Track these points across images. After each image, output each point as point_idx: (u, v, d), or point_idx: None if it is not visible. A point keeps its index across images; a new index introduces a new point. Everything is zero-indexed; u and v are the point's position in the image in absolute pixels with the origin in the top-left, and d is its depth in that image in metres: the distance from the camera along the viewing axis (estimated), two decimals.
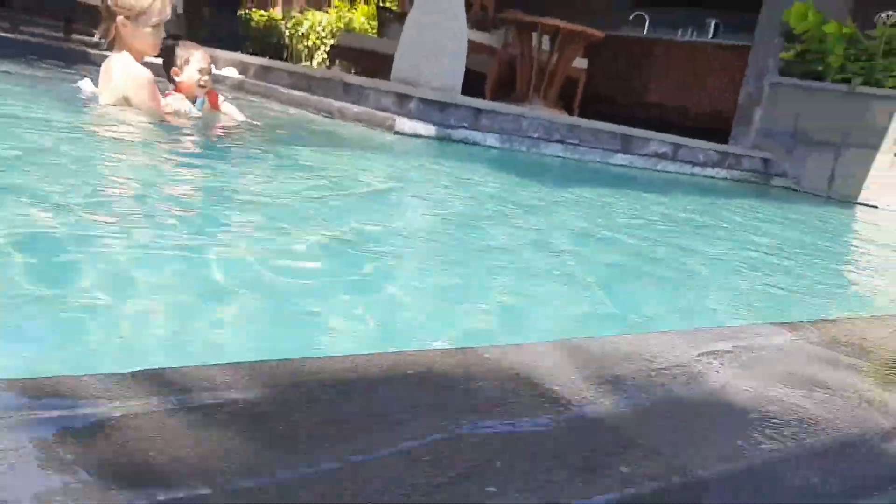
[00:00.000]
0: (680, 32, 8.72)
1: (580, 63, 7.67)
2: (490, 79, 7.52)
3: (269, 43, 13.55)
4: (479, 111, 5.30)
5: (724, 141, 7.64)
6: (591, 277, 1.95)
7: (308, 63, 13.09)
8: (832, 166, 7.05)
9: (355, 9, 13.08)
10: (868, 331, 1.59)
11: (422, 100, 5.00)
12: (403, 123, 4.52)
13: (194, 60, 3.37)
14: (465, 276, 1.74)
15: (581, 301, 1.72)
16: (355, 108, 4.86)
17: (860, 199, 6.82)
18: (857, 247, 4.63)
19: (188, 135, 3.14)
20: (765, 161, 7.45)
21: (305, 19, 13.22)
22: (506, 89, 7.54)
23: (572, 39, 6.98)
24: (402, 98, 5.07)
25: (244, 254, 1.58)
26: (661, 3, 9.75)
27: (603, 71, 8.41)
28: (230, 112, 3.66)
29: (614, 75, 8.71)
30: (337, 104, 4.98)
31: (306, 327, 1.28)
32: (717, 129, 7.81)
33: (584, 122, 6.02)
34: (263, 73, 6.36)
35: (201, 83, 3.42)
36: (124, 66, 3.11)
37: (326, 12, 13.48)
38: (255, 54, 12.52)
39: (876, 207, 6.68)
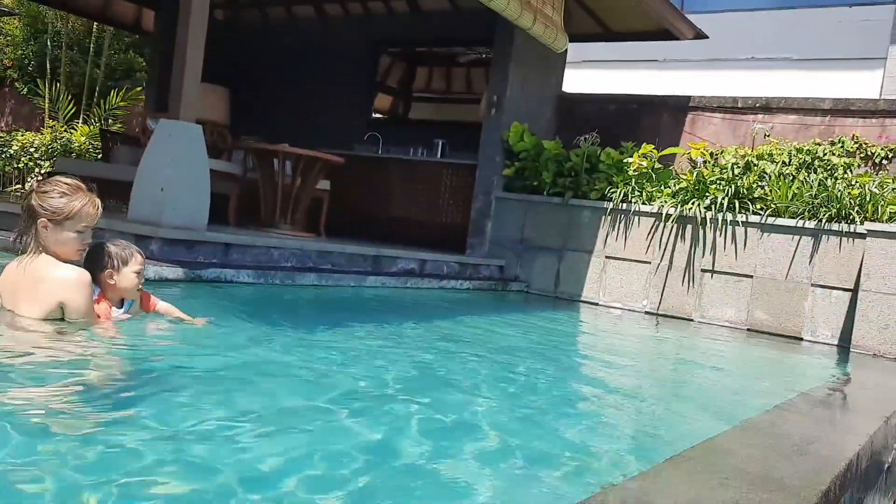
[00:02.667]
0: (411, 151, 9.31)
1: (323, 185, 7.83)
2: (233, 205, 7.38)
3: None
4: (228, 246, 5.16)
5: (464, 251, 8.20)
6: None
7: (20, 187, 11.87)
8: (556, 269, 7.85)
9: (74, 128, 12.22)
10: None
11: (165, 240, 4.76)
12: (147, 269, 4.23)
13: (133, 262, 2.86)
14: None
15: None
16: None
17: (583, 298, 7.64)
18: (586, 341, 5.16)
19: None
20: (500, 268, 8.10)
21: (15, 140, 12.07)
22: (249, 214, 7.44)
23: (313, 165, 7.13)
24: (143, 239, 4.76)
25: None
26: (391, 124, 10.41)
27: (346, 190, 8.66)
28: (171, 312, 3.10)
29: (357, 194, 9.02)
30: None
31: None
32: (456, 240, 8.36)
33: (335, 246, 6.11)
34: None
35: (139, 287, 2.92)
36: (57, 269, 2.63)
37: (40, 132, 12.43)
38: None
39: (597, 304, 7.52)
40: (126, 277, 2.86)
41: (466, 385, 2.82)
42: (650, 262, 7.32)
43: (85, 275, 2.68)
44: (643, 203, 7.35)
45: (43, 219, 2.61)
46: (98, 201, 2.72)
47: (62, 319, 2.64)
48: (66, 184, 2.67)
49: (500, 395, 2.76)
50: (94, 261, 2.84)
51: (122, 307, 2.92)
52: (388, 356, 3.23)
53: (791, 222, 6.62)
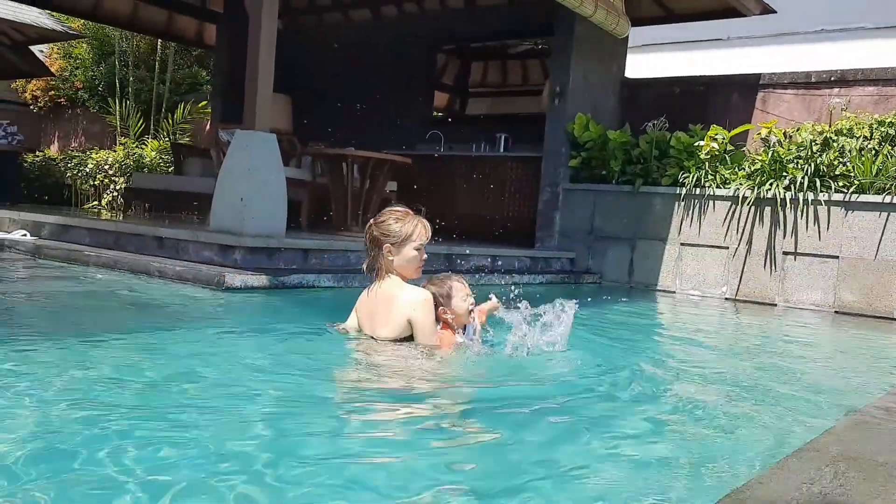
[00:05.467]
0: (474, 147, 9.28)
1: (389, 185, 7.88)
2: (304, 210, 7.48)
3: (45, 184, 12.63)
4: (306, 252, 5.23)
5: (531, 244, 8.13)
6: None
7: (96, 203, 12.30)
8: (629, 259, 7.72)
9: (144, 144, 12.59)
10: None
11: (247, 248, 4.85)
12: (234, 278, 4.32)
13: (455, 293, 2.98)
14: None
15: None
16: (178, 266, 4.58)
17: (658, 287, 7.49)
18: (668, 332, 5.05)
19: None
20: (571, 261, 8.00)
21: (90, 158, 12.50)
22: (319, 218, 7.54)
23: (382, 167, 7.17)
24: (226, 249, 4.89)
25: None
26: (452, 121, 10.39)
27: (411, 189, 8.69)
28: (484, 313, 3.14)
29: (422, 192, 9.02)
30: (155, 263, 4.68)
31: None
32: (523, 234, 8.30)
33: None
34: (61, 232, 5.86)
35: (471, 309, 3.01)
36: (404, 289, 2.89)
37: (112, 149, 12.84)
38: (32, 200, 11.57)
39: (674, 293, 7.36)
40: (458, 308, 2.97)
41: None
42: (728, 247, 7.13)
43: (429, 295, 2.88)
44: (717, 187, 7.16)
45: (387, 244, 2.86)
46: (426, 222, 2.95)
47: (411, 338, 2.84)
48: (396, 211, 2.94)
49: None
50: None
51: (465, 332, 3.01)
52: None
53: (877, 199, 6.35)
